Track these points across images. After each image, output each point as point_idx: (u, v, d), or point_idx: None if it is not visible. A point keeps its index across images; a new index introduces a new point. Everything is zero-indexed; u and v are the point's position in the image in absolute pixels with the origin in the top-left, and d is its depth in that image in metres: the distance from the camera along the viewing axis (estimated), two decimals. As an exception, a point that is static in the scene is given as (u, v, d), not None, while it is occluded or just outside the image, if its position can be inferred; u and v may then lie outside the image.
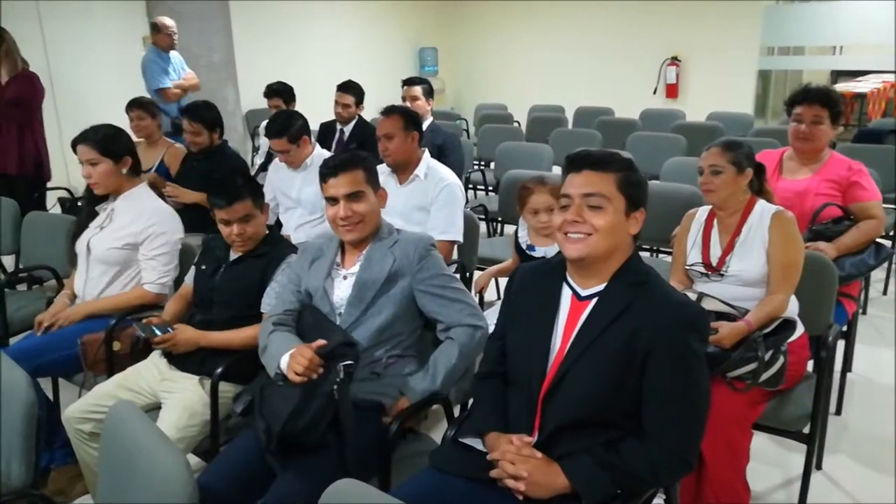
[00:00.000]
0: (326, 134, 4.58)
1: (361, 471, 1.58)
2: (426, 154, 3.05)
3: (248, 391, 1.93)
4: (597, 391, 1.46)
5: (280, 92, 4.64)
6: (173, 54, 5.38)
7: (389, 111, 3.01)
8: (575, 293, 1.56)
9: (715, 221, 2.29)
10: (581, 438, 1.48)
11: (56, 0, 6.24)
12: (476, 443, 1.62)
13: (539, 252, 2.57)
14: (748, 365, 1.98)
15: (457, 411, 2.15)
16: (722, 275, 2.20)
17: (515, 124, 7.20)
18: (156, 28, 5.19)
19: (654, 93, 8.75)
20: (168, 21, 5.23)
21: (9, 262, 3.78)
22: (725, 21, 8.11)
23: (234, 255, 2.30)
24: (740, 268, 2.17)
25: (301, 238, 3.24)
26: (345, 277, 2.00)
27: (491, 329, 1.87)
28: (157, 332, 2.13)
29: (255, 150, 5.92)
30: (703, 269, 2.25)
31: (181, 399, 2.09)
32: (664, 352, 1.43)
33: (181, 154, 3.88)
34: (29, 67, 4.30)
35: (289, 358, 1.77)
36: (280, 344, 1.86)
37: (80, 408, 2.14)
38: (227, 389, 2.11)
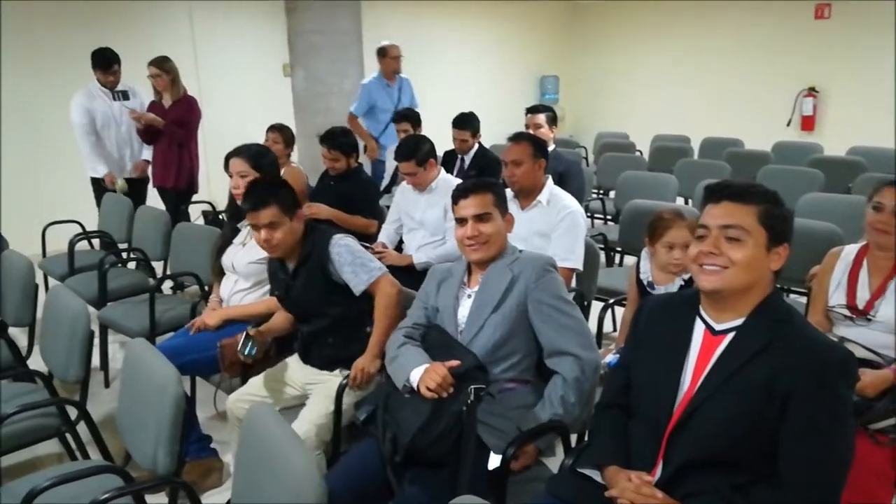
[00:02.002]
0: (449, 161, 4.69)
1: (476, 492, 1.60)
2: (549, 181, 3.07)
3: (369, 400, 1.99)
4: (728, 431, 1.40)
5: (408, 117, 4.79)
6: (404, 82, 5.60)
7: (518, 138, 3.05)
8: (709, 327, 1.51)
9: (865, 261, 2.15)
10: (707, 479, 1.41)
11: (209, 27, 6.82)
12: (594, 474, 1.59)
13: (659, 290, 2.46)
14: (894, 417, 1.85)
15: (574, 440, 2.12)
16: (869, 319, 2.06)
17: (637, 153, 7.07)
18: (381, 52, 5.45)
19: (788, 125, 8.33)
20: (389, 45, 5.42)
21: (157, 267, 4.14)
22: (870, 49, 7.61)
23: (289, 267, 2.37)
24: (892, 314, 2.02)
25: (422, 258, 3.34)
26: (469, 296, 2.05)
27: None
28: (247, 352, 2.28)
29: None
30: (847, 312, 2.11)
31: (324, 388, 2.25)
32: (808, 395, 1.35)
33: (298, 174, 4.06)
34: (187, 92, 4.74)
35: (422, 372, 1.82)
36: (410, 357, 1.92)
37: (240, 397, 2.35)
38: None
